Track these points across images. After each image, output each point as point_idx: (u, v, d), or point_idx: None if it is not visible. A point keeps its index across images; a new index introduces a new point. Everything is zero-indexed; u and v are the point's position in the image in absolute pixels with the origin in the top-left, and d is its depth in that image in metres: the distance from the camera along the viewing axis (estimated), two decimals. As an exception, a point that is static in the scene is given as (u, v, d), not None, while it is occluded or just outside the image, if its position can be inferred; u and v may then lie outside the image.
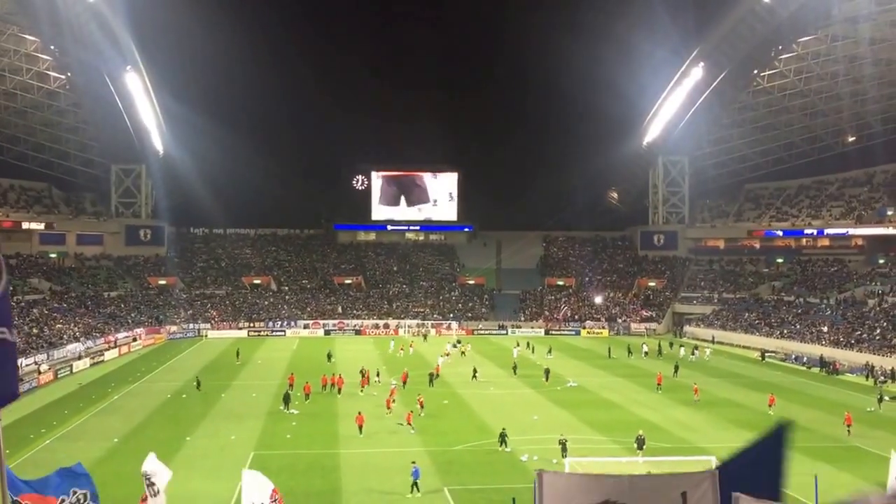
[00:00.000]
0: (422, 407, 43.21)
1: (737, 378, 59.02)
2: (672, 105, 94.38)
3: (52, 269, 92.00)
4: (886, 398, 47.25)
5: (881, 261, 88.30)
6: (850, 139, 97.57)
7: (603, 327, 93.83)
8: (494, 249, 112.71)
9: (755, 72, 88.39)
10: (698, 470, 6.93)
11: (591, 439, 37.87)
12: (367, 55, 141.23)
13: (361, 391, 50.51)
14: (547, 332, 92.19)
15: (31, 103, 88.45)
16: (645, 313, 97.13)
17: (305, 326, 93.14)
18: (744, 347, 77.23)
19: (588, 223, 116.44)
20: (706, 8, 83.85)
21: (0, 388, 6.70)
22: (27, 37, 77.43)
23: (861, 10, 72.96)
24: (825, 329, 73.64)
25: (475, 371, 56.68)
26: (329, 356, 65.85)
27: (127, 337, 78.11)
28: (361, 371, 54.13)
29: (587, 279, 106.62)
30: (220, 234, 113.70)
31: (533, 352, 72.90)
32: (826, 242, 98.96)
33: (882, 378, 56.61)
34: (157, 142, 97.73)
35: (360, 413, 39.63)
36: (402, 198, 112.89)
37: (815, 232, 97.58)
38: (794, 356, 68.91)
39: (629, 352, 71.88)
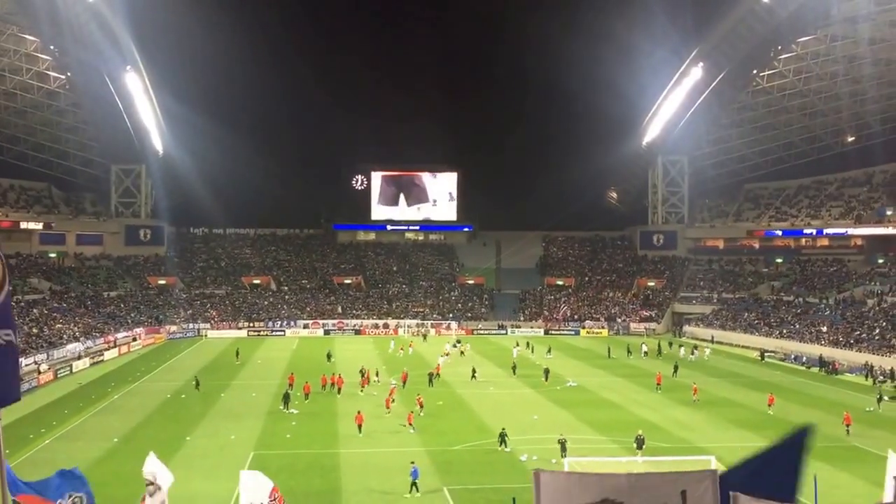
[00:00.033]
0: (421, 407, 43.25)
1: (736, 378, 59.05)
2: (671, 105, 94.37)
3: (52, 269, 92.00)
4: (886, 398, 47.30)
5: (880, 261, 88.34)
6: (850, 139, 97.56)
7: (602, 327, 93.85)
8: (494, 249, 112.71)
9: (754, 72, 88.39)
10: (702, 469, 6.92)
11: (591, 439, 37.90)
12: (367, 55, 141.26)
13: (361, 391, 50.53)
14: (546, 332, 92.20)
15: (31, 103, 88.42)
16: (644, 313, 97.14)
17: (305, 326, 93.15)
18: (743, 347, 77.24)
19: (587, 223, 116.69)
20: (705, 8, 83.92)
21: (1, 390, 6.71)
22: (27, 37, 77.41)
23: (860, 10, 72.96)
24: (824, 329, 73.67)
25: (474, 371, 56.68)
26: (329, 356, 65.86)
27: (127, 337, 78.12)
28: (361, 371, 54.15)
29: (586, 279, 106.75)
30: (220, 233, 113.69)
31: (532, 352, 72.90)
32: (825, 242, 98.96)
33: (881, 378, 56.65)
34: (157, 142, 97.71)
35: (359, 412, 39.67)
36: (402, 198, 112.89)
37: (814, 232, 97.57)
38: (793, 356, 68.93)
39: (628, 351, 71.89)
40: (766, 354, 70.76)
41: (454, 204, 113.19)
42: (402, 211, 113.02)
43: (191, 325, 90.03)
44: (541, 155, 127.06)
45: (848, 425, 38.57)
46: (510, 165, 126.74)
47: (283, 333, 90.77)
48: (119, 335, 77.26)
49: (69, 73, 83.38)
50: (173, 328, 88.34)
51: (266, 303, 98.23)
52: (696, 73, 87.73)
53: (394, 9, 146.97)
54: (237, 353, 68.59)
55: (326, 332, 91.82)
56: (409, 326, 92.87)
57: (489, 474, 31.81)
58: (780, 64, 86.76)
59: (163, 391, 51.96)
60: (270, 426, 40.96)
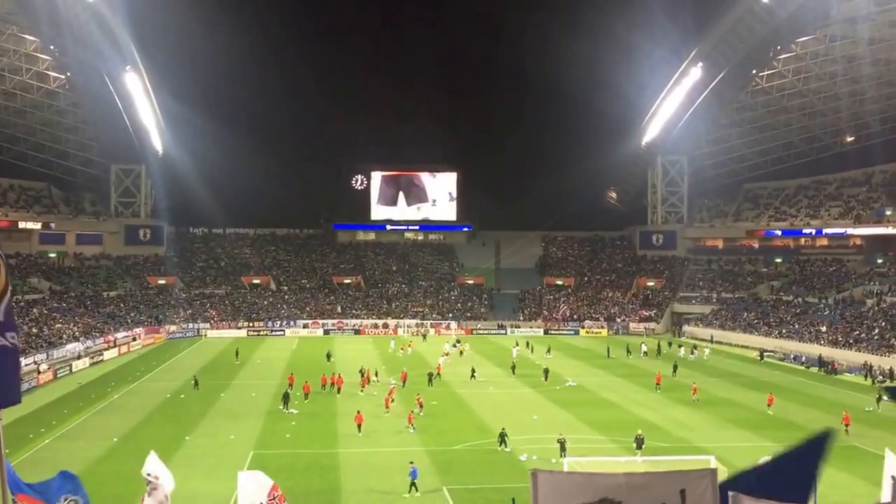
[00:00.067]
0: (421, 407, 43.28)
1: (735, 377, 59.09)
2: (671, 105, 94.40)
3: (52, 269, 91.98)
4: (885, 397, 47.30)
5: (880, 260, 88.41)
6: (849, 139, 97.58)
7: (602, 327, 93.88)
8: (493, 249, 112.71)
9: (754, 72, 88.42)
10: (701, 468, 6.93)
11: (590, 439, 37.93)
12: (367, 55, 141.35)
13: (362, 391, 50.55)
14: (546, 332, 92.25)
15: (31, 103, 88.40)
16: (644, 313, 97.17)
17: (305, 326, 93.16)
18: (742, 347, 77.27)
19: (587, 223, 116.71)
20: (705, 8, 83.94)
21: (2, 393, 6.71)
22: (27, 37, 77.40)
23: (860, 11, 72.99)
24: (824, 329, 73.71)
25: (473, 371, 56.72)
26: (328, 356, 65.86)
27: (126, 336, 78.12)
28: (361, 371, 54.17)
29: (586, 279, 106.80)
30: (220, 233, 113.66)
31: (532, 351, 72.93)
32: (824, 242, 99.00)
33: (880, 377, 56.70)
34: (157, 142, 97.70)
35: (358, 412, 39.70)
36: (402, 197, 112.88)
37: (813, 232, 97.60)
38: (792, 356, 68.96)
39: (628, 351, 71.92)
40: (765, 354, 70.79)
41: (454, 204, 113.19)
42: (402, 211, 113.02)
43: (190, 325, 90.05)
44: (540, 155, 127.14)
45: (847, 425, 38.60)
46: (510, 165, 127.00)
47: (282, 333, 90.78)
48: (119, 335, 77.27)
49: (69, 73, 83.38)
50: (173, 328, 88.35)
51: (266, 303, 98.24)
52: (696, 72, 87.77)
53: (394, 9, 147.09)
54: (237, 353, 68.61)
55: (326, 332, 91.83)
56: (408, 326, 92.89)
57: (489, 474, 31.84)
58: (779, 64, 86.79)
59: (162, 391, 51.98)
60: (270, 426, 40.98)
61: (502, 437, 35.38)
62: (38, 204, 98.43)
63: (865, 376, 58.44)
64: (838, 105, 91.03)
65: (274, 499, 14.41)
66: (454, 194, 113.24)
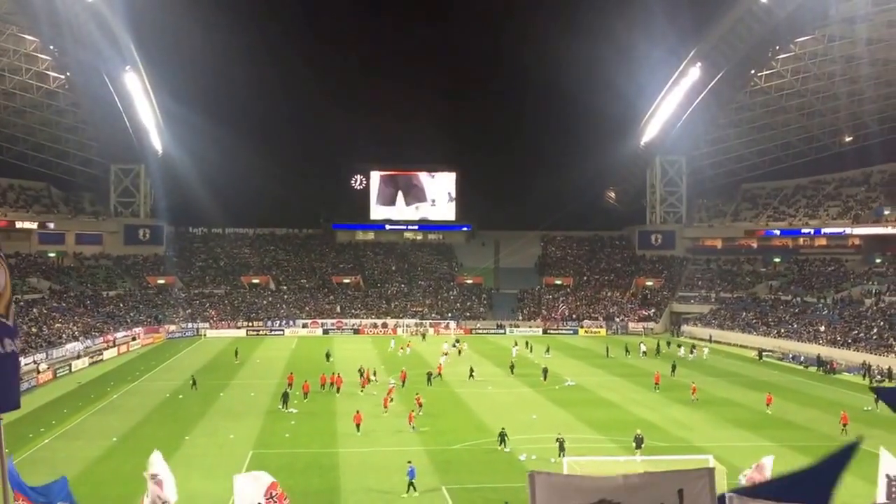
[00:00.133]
0: (420, 406, 43.33)
1: (734, 377, 59.18)
2: (670, 105, 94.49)
3: (51, 269, 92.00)
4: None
5: (878, 260, 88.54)
6: (847, 139, 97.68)
7: (600, 327, 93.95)
8: (492, 249, 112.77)
9: (752, 72, 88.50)
10: (697, 468, 6.98)
11: (590, 438, 38.00)
12: (366, 54, 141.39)
13: (362, 391, 50.60)
14: (545, 332, 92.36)
15: (31, 103, 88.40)
16: (642, 312, 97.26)
17: (304, 326, 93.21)
18: (741, 347, 77.36)
19: (586, 223, 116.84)
20: (704, 8, 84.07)
21: (2, 398, 6.75)
22: (26, 37, 77.41)
23: (858, 11, 73.10)
24: (822, 328, 73.82)
25: (472, 370, 56.78)
26: (328, 355, 65.88)
27: (126, 336, 78.16)
28: (360, 370, 54.23)
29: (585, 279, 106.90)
30: (219, 233, 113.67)
31: (531, 351, 72.99)
32: (823, 242, 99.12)
33: (879, 377, 56.79)
34: (156, 141, 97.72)
35: (358, 412, 39.77)
36: (401, 197, 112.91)
37: (812, 231, 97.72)
38: (791, 355, 69.06)
39: (627, 351, 71.98)
40: (764, 354, 70.89)
41: (453, 204, 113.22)
42: (401, 211, 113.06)
43: (190, 325, 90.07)
44: (539, 155, 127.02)
45: (845, 424, 38.71)
46: (509, 165, 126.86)
47: (281, 333, 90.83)
48: (118, 335, 77.31)
49: (68, 73, 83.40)
50: (172, 328, 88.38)
51: (265, 302, 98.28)
52: (695, 73, 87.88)
53: (393, 9, 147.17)
54: (236, 353, 68.64)
55: (325, 332, 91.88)
56: (407, 326, 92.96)
57: (488, 473, 31.89)
58: (778, 64, 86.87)
59: (162, 390, 52.01)
60: (269, 425, 41.03)
61: (502, 437, 35.43)
62: (37, 204, 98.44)
63: (864, 376, 58.54)
64: (837, 105, 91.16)
65: (272, 497, 14.39)
66: (453, 194, 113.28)
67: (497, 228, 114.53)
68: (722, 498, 6.48)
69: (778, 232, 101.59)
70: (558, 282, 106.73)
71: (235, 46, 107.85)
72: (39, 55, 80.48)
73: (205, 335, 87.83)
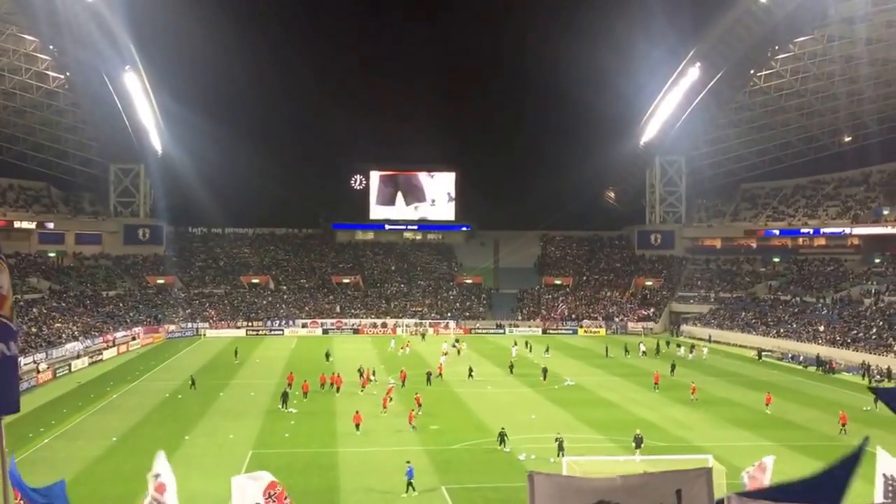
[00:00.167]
0: (419, 406, 43.36)
1: (734, 377, 59.22)
2: (669, 105, 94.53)
3: (51, 269, 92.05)
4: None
5: (877, 260, 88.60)
6: (847, 139, 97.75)
7: (600, 326, 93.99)
8: (492, 249, 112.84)
9: (752, 72, 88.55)
10: (694, 468, 7.02)
11: (589, 438, 38.03)
12: (366, 54, 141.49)
13: (362, 391, 50.63)
14: (544, 332, 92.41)
15: (30, 103, 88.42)
16: (642, 312, 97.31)
17: (304, 326, 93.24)
18: (740, 346, 77.38)
19: (585, 222, 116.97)
20: (703, 8, 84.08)
21: (1, 402, 6.76)
22: (26, 37, 77.42)
23: (857, 11, 73.13)
24: (821, 328, 73.88)
25: (471, 370, 56.82)
26: (327, 355, 65.90)
27: (125, 336, 78.19)
28: (359, 370, 54.26)
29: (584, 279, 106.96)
30: (219, 233, 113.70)
31: (531, 351, 73.02)
32: (822, 242, 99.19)
33: (878, 377, 56.84)
34: (156, 141, 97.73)
35: (357, 412, 39.80)
36: (400, 197, 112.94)
37: (811, 231, 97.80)
38: (790, 355, 69.10)
39: (626, 351, 71.98)
40: (763, 354, 70.94)
41: (452, 203, 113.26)
42: (401, 210, 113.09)
43: (189, 325, 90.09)
44: (539, 154, 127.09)
45: (843, 424, 38.74)
46: (508, 165, 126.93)
47: (281, 333, 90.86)
48: (118, 334, 77.34)
49: (68, 73, 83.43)
50: (172, 327, 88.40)
51: (265, 302, 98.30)
52: (694, 73, 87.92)
53: (393, 8, 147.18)
54: (236, 353, 68.67)
55: (325, 332, 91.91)
56: (407, 326, 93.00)
57: (487, 473, 31.91)
58: (777, 64, 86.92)
59: (161, 390, 52.03)
60: (269, 425, 41.05)
61: (502, 437, 35.45)
62: (37, 203, 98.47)
63: (863, 376, 58.59)
64: (836, 105, 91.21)
65: (271, 497, 14.33)
66: (452, 194, 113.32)
67: (496, 228, 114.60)
68: (722, 500, 6.53)
69: (777, 232, 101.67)
70: (558, 282, 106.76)
71: (235, 46, 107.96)
72: (39, 55, 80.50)
73: (204, 335, 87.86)
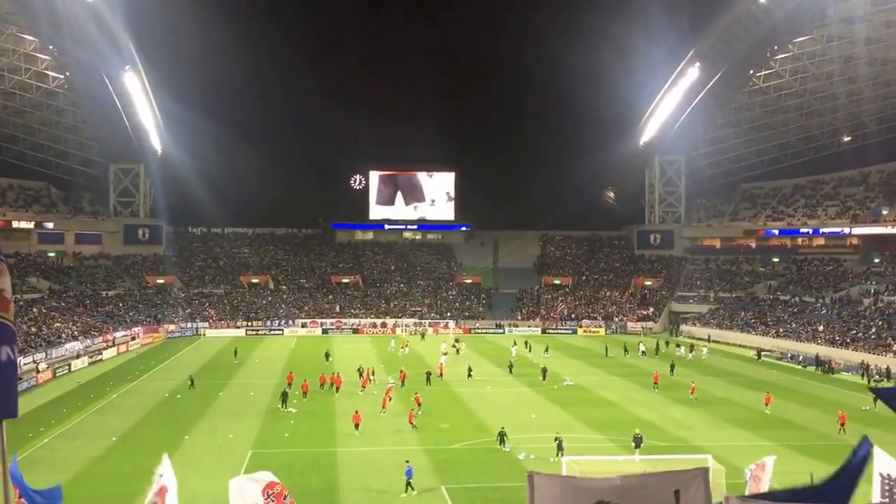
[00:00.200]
0: (419, 406, 43.40)
1: (733, 377, 59.26)
2: (668, 105, 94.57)
3: (51, 269, 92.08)
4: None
5: (876, 260, 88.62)
6: (846, 139, 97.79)
7: (599, 326, 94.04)
8: (491, 248, 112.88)
9: (751, 72, 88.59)
10: (693, 468, 7.08)
11: (589, 438, 38.05)
12: (366, 54, 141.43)
13: (362, 390, 50.66)
14: (544, 331, 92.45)
15: (30, 103, 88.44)
16: (641, 312, 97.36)
17: (303, 325, 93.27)
18: (740, 346, 77.42)
19: (585, 222, 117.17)
20: (702, 8, 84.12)
21: (3, 404, 6.76)
22: (26, 36, 77.44)
23: (856, 11, 73.20)
24: (821, 328, 73.92)
25: (470, 370, 56.85)
26: (327, 355, 65.92)
27: (125, 336, 78.23)
28: (359, 370, 54.28)
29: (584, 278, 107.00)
30: (219, 233, 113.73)
31: (530, 351, 73.05)
32: (822, 242, 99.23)
33: (877, 377, 56.88)
34: (156, 141, 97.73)
35: (356, 412, 39.83)
36: (400, 197, 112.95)
37: (810, 231, 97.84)
38: (789, 355, 69.15)
39: (625, 350, 72.01)
40: (762, 353, 70.99)
41: (452, 203, 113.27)
42: (400, 210, 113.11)
43: (189, 325, 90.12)
44: (538, 154, 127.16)
45: (842, 424, 38.78)
46: (508, 165, 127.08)
47: (281, 332, 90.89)
48: (118, 334, 77.38)
49: (68, 73, 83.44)
50: (172, 327, 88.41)
51: (264, 302, 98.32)
52: (693, 73, 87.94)
53: (393, 8, 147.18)
54: (235, 353, 68.70)
55: (324, 332, 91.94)
56: (406, 325, 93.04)
57: (487, 473, 31.93)
58: (776, 64, 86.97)
59: (161, 390, 52.04)
60: (269, 425, 41.07)
61: (502, 437, 35.48)
62: (37, 203, 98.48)
63: (862, 375, 58.63)
64: (835, 105, 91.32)
65: (270, 496, 14.30)
66: (452, 194, 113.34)
67: (496, 228, 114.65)
68: (721, 502, 6.58)
69: (776, 232, 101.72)
70: (557, 281, 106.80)
71: (235, 46, 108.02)
72: (39, 55, 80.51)
73: (204, 335, 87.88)
